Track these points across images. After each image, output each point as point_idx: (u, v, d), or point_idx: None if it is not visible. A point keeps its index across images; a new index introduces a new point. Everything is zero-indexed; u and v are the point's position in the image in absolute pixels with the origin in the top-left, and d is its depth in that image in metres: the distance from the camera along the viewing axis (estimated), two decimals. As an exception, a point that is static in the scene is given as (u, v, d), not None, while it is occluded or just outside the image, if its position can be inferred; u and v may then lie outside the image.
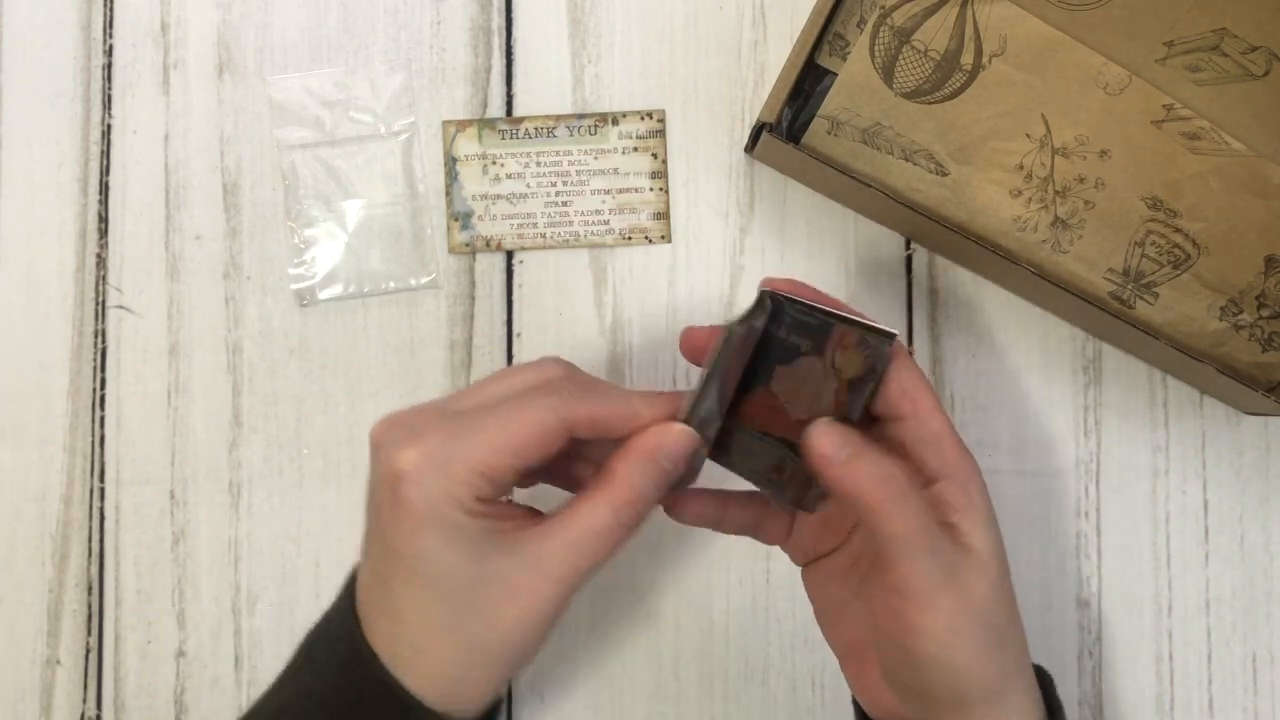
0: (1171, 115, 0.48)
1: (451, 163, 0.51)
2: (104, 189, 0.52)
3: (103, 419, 0.51)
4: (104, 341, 0.51)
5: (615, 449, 0.37)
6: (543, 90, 0.52)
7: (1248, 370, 0.49)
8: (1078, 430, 0.51)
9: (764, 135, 0.46)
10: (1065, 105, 0.48)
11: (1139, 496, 0.51)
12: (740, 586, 0.51)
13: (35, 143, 0.52)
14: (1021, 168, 0.48)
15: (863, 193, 0.47)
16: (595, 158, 0.51)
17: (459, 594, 0.34)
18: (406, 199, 0.51)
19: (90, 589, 0.51)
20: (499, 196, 0.51)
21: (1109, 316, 0.47)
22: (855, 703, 0.41)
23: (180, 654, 0.50)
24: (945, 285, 0.51)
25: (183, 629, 0.50)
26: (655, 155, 0.51)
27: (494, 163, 0.51)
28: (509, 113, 0.52)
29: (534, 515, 0.37)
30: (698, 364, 0.39)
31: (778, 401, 0.38)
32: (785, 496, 0.39)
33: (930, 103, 0.47)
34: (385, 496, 0.34)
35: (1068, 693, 0.50)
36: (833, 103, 0.47)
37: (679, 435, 0.36)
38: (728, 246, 0.51)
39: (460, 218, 0.51)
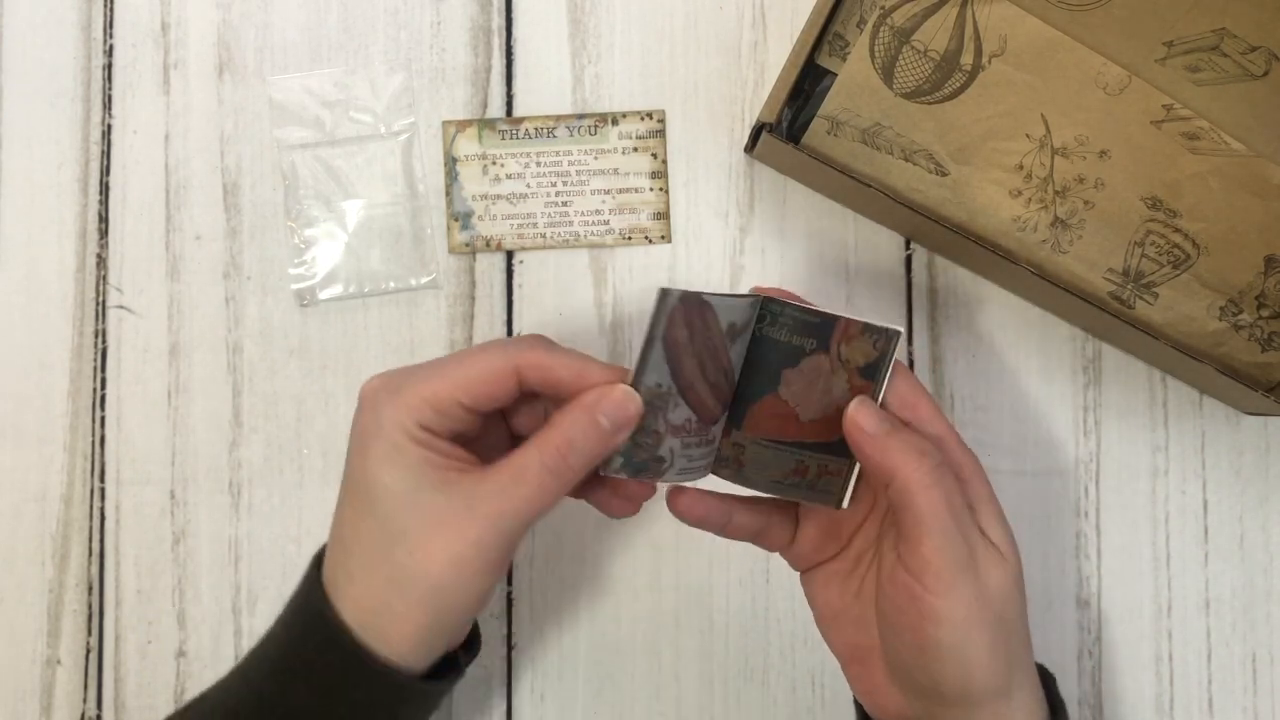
0: (1171, 115, 0.48)
1: (451, 163, 0.51)
2: (104, 189, 0.52)
3: (103, 419, 0.51)
4: (104, 341, 0.51)
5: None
6: (543, 90, 0.52)
7: (1247, 370, 0.49)
8: (1078, 430, 0.51)
9: (764, 135, 0.46)
10: (1065, 105, 0.48)
11: (1139, 496, 0.51)
12: (740, 586, 0.51)
13: (35, 143, 0.52)
14: (1021, 168, 0.48)
15: (863, 193, 0.47)
16: (595, 158, 0.51)
17: (390, 521, 0.35)
18: (406, 199, 0.51)
19: (90, 589, 0.51)
20: (499, 196, 0.51)
21: (1109, 316, 0.47)
22: (857, 704, 0.41)
23: (180, 654, 0.50)
24: (945, 285, 0.51)
25: (183, 629, 0.50)
26: (655, 155, 0.51)
27: (494, 163, 0.51)
28: (509, 113, 0.52)
29: (480, 464, 0.37)
30: None
31: (787, 407, 0.38)
32: (813, 495, 0.39)
33: (930, 103, 0.47)
34: (353, 425, 0.37)
35: (1068, 693, 0.50)
36: (833, 103, 0.47)
37: (618, 394, 0.35)
38: (728, 246, 0.51)
39: (460, 218, 0.51)
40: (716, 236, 0.51)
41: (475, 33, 0.52)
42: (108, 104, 0.52)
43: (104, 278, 0.51)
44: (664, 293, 0.35)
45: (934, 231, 0.48)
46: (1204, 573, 0.51)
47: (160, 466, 0.51)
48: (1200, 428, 0.51)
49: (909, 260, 0.52)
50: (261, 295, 0.51)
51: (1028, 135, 0.48)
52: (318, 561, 0.38)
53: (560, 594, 0.51)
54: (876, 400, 0.38)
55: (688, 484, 0.39)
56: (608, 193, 0.51)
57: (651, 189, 0.51)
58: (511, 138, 0.51)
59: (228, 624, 0.50)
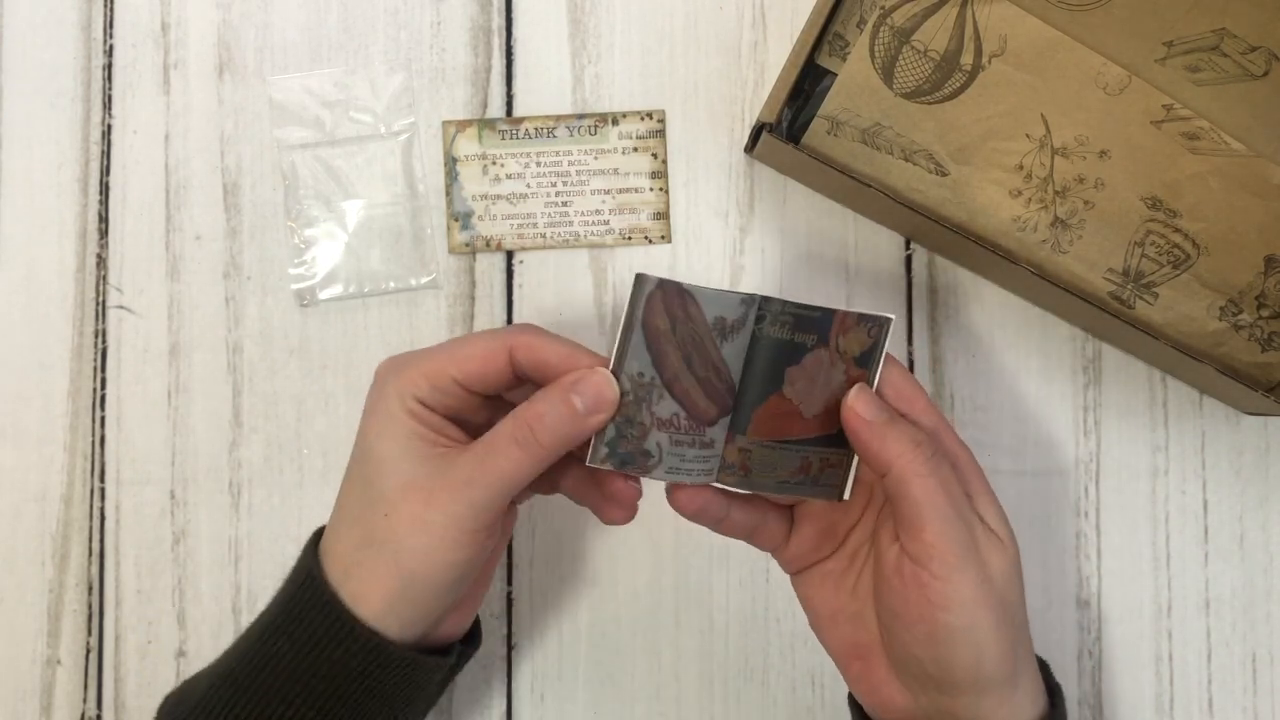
0: (1171, 115, 0.48)
1: (451, 163, 0.51)
2: (104, 189, 0.52)
3: (103, 419, 0.51)
4: (104, 341, 0.51)
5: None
6: (543, 90, 0.52)
7: (1247, 370, 0.49)
8: (1078, 430, 0.51)
9: (764, 135, 0.46)
10: (1065, 105, 0.48)
11: (1139, 496, 0.51)
12: (740, 586, 0.51)
13: (35, 143, 0.52)
14: (1021, 168, 0.48)
15: (863, 193, 0.47)
16: (595, 158, 0.51)
17: (373, 485, 0.36)
18: (406, 199, 0.51)
19: (90, 589, 0.51)
20: (499, 196, 0.51)
21: (1109, 316, 0.47)
22: (853, 705, 0.41)
23: (180, 654, 0.50)
24: (945, 285, 0.51)
25: (183, 629, 0.50)
26: (655, 155, 0.51)
27: (494, 163, 0.51)
28: (509, 113, 0.52)
29: (467, 442, 0.38)
30: None
31: (791, 405, 0.38)
32: (816, 490, 0.39)
33: (930, 103, 0.47)
34: (366, 399, 0.39)
35: (1068, 693, 0.50)
36: (833, 103, 0.47)
37: (595, 375, 0.36)
38: (728, 246, 0.51)
39: (460, 218, 0.51)
40: (716, 236, 0.51)
41: (475, 33, 0.52)
42: (108, 104, 0.52)
43: (104, 278, 0.51)
44: (640, 278, 0.35)
45: (934, 231, 0.48)
46: (1204, 573, 0.51)
47: (160, 466, 0.51)
48: (1200, 428, 0.51)
49: (909, 260, 0.52)
50: (261, 295, 0.51)
51: (1028, 135, 0.48)
52: (323, 528, 0.40)
53: (560, 594, 0.51)
54: (871, 387, 0.38)
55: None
56: (608, 193, 0.51)
57: (651, 189, 0.51)
58: (511, 138, 0.51)
59: (228, 624, 0.50)
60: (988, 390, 0.51)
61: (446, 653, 0.39)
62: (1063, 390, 0.51)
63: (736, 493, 0.40)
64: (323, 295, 0.51)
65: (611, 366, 0.36)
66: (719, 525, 0.40)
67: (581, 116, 0.51)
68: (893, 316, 0.37)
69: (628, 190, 0.51)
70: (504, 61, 0.52)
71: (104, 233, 0.51)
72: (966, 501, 0.37)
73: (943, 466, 0.36)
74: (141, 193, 0.51)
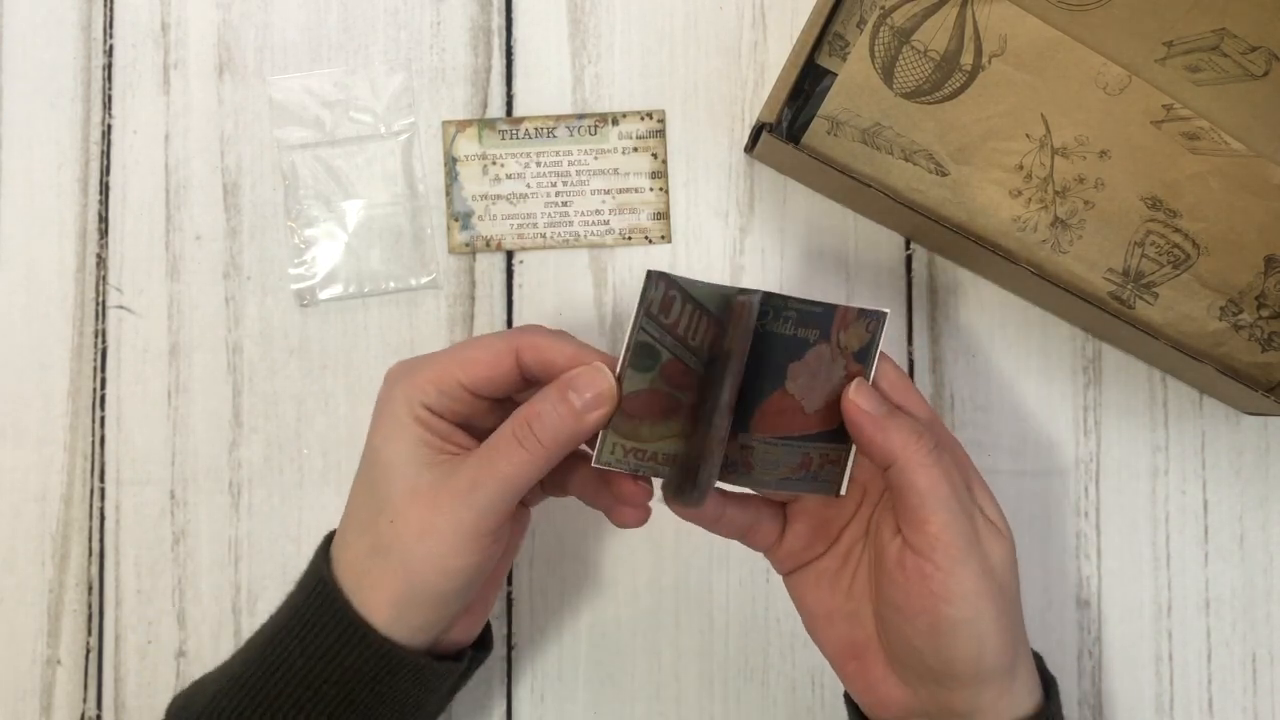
0: (1171, 115, 0.48)
1: (451, 163, 0.51)
2: (104, 189, 0.52)
3: (103, 419, 0.51)
4: (104, 341, 0.51)
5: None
6: (543, 90, 0.52)
7: (1247, 370, 0.49)
8: (1078, 430, 0.51)
9: (764, 135, 0.46)
10: (1065, 105, 0.48)
11: (1139, 496, 0.51)
12: (740, 586, 0.51)
13: (35, 143, 0.52)
14: (1021, 168, 0.48)
15: (863, 193, 0.47)
16: (595, 158, 0.51)
17: (380, 491, 0.36)
18: (406, 199, 0.51)
19: (90, 589, 0.51)
20: (499, 196, 0.51)
21: (1109, 316, 0.47)
22: (850, 704, 0.41)
23: (180, 654, 0.50)
24: (945, 285, 0.51)
25: (183, 629, 0.50)
26: (655, 155, 0.51)
27: (494, 163, 0.51)
28: (509, 113, 0.52)
29: (474, 448, 0.38)
30: None
31: (794, 401, 0.38)
32: (815, 485, 0.39)
33: (930, 103, 0.47)
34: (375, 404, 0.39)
35: (1068, 693, 0.50)
36: (833, 103, 0.47)
37: (592, 371, 0.36)
38: (728, 246, 0.51)
39: (460, 218, 0.51)
40: (716, 236, 0.51)
41: (475, 33, 0.52)
42: (108, 104, 0.52)
43: (104, 278, 0.51)
44: (650, 275, 0.35)
45: (934, 231, 0.48)
46: (1204, 573, 0.51)
47: (160, 466, 0.51)
48: (1200, 428, 0.51)
49: (909, 260, 0.52)
50: (261, 295, 0.51)
51: (1028, 135, 0.48)
52: (333, 533, 0.40)
53: (560, 594, 0.51)
54: (869, 381, 0.38)
55: None
56: (608, 193, 0.51)
57: (651, 189, 0.51)
58: (511, 138, 0.51)
59: (228, 624, 0.50)
60: (988, 390, 0.51)
61: (458, 658, 0.39)
62: (1063, 390, 0.51)
63: (732, 491, 0.40)
64: (323, 295, 0.51)
65: (619, 367, 0.36)
66: (715, 525, 0.40)
67: (581, 116, 0.51)
68: (888, 311, 0.37)
69: (628, 190, 0.51)
70: (504, 61, 0.52)
71: (104, 233, 0.51)
72: (968, 492, 0.37)
73: (945, 457, 0.36)
74: (141, 193, 0.51)
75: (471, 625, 0.40)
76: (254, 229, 0.51)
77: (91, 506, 0.51)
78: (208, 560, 0.51)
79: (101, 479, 0.51)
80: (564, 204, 0.51)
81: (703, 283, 0.36)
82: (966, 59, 0.47)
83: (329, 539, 0.39)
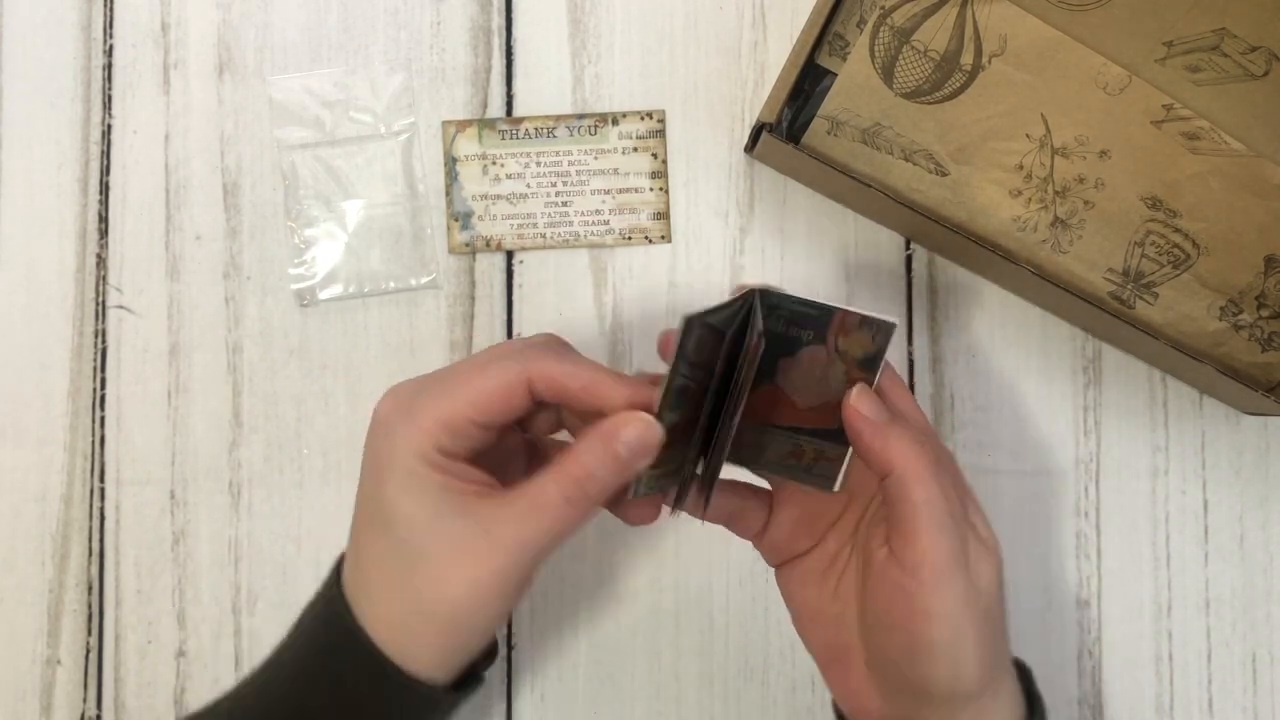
0: (1171, 115, 0.48)
1: (451, 163, 0.51)
2: (104, 189, 0.52)
3: (103, 419, 0.51)
4: (104, 341, 0.51)
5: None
6: (543, 90, 0.52)
7: (1247, 370, 0.49)
8: (1078, 430, 0.51)
9: (764, 135, 0.46)
10: (1065, 105, 0.48)
11: (1139, 496, 0.51)
12: (740, 586, 0.51)
13: (35, 143, 0.52)
14: (1021, 168, 0.48)
15: (863, 193, 0.47)
16: (595, 158, 0.51)
17: (410, 547, 0.35)
18: (406, 199, 0.51)
19: (90, 589, 0.51)
20: (499, 196, 0.51)
21: (1109, 316, 0.47)
22: (836, 709, 0.41)
23: (180, 654, 0.50)
24: (945, 285, 0.51)
25: (183, 629, 0.50)
26: (655, 155, 0.51)
27: (494, 163, 0.51)
28: (509, 113, 0.52)
29: (499, 487, 0.37)
30: None
31: (784, 394, 0.38)
32: (808, 477, 0.39)
33: (930, 103, 0.47)
34: (367, 446, 0.36)
35: (1068, 692, 0.50)
36: (833, 103, 0.47)
37: (639, 424, 0.35)
38: (728, 246, 0.51)
39: (460, 218, 0.51)
40: (716, 236, 0.51)
41: (475, 33, 0.52)
42: (108, 104, 0.52)
43: (104, 278, 0.51)
44: (688, 321, 0.34)
45: (934, 231, 0.48)
46: (1204, 573, 0.51)
47: (160, 466, 0.51)
48: (1200, 428, 0.51)
49: (909, 260, 0.52)
50: (261, 295, 0.51)
51: (1028, 135, 0.48)
52: (337, 574, 0.38)
53: (560, 594, 0.51)
54: (872, 388, 0.38)
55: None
56: (608, 193, 0.51)
57: (651, 189, 0.51)
58: (511, 138, 0.51)
59: (228, 624, 0.50)
60: (988, 390, 0.51)
61: (476, 675, 0.39)
62: (1063, 390, 0.51)
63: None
64: (323, 295, 0.51)
65: (657, 408, 0.35)
66: (698, 512, 0.40)
67: (581, 116, 0.51)
68: (896, 322, 0.37)
69: (628, 190, 0.51)
70: (504, 61, 0.52)
71: (104, 233, 0.51)
72: (962, 510, 0.37)
73: (944, 473, 0.36)
74: (141, 193, 0.51)
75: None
76: (254, 229, 0.51)
77: (91, 506, 0.51)
78: (208, 560, 0.51)
79: (101, 479, 0.51)
80: (564, 204, 0.51)
81: (720, 308, 0.35)
82: (966, 59, 0.47)
83: (337, 582, 0.37)
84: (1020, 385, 0.51)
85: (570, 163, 0.51)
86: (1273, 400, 0.46)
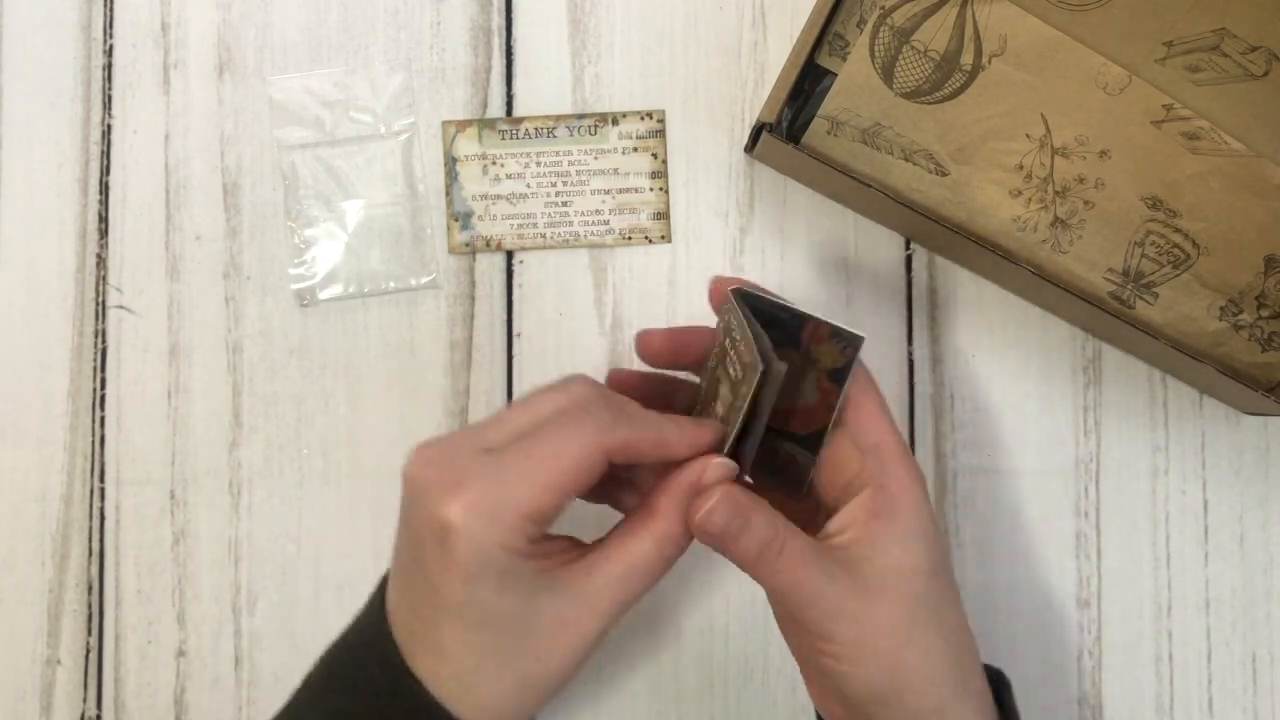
0: (1171, 115, 0.48)
1: (451, 163, 0.51)
2: (104, 189, 0.52)
3: (103, 419, 0.51)
4: (104, 341, 0.51)
5: (650, 472, 0.37)
6: (543, 90, 0.52)
7: (1247, 370, 0.49)
8: (1078, 430, 0.51)
9: (764, 135, 0.46)
10: (1065, 105, 0.48)
11: (1139, 496, 0.51)
12: (740, 587, 0.51)
13: (35, 143, 0.52)
14: (1021, 168, 0.48)
15: (863, 193, 0.47)
16: (595, 158, 0.51)
17: (511, 634, 0.34)
18: (406, 199, 0.51)
19: (90, 589, 0.51)
20: (499, 196, 0.51)
21: (1109, 316, 0.47)
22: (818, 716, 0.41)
23: (180, 654, 0.50)
24: (945, 285, 0.51)
25: (183, 629, 0.50)
26: (655, 155, 0.51)
27: (494, 163, 0.51)
28: (509, 113, 0.52)
29: (577, 545, 0.37)
30: (655, 366, 0.40)
31: None
32: (778, 480, 0.39)
33: (930, 103, 0.47)
34: (431, 546, 0.33)
35: (1068, 692, 0.50)
36: (833, 103, 0.47)
37: (719, 468, 0.36)
38: (728, 246, 0.51)
39: (460, 218, 0.51)
40: (716, 236, 0.51)
41: (475, 33, 0.52)
42: (108, 104, 0.52)
43: (104, 278, 0.51)
44: (766, 373, 0.34)
45: (934, 231, 0.48)
46: (1204, 573, 0.51)
47: (160, 466, 0.51)
48: (1200, 428, 0.51)
49: (909, 260, 0.52)
50: (261, 295, 0.51)
51: (1028, 135, 0.48)
52: (391, 645, 0.35)
53: (560, 594, 0.51)
54: (838, 402, 0.37)
55: None
56: (608, 193, 0.51)
57: (651, 189, 0.51)
58: (511, 138, 0.51)
59: (228, 624, 0.50)
60: (988, 390, 0.51)
61: None
62: (1063, 390, 0.51)
63: None
64: (323, 295, 0.51)
65: (729, 450, 0.36)
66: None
67: (581, 116, 0.51)
68: (864, 336, 0.36)
69: (628, 190, 0.51)
70: (504, 61, 0.52)
71: (104, 233, 0.51)
72: (834, 569, 0.36)
73: (792, 554, 0.35)
74: (141, 193, 0.51)
75: None
76: (254, 229, 0.51)
77: (91, 506, 0.51)
78: (208, 560, 0.51)
79: (101, 479, 0.51)
80: (564, 204, 0.51)
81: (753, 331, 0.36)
82: (966, 59, 0.47)
83: (404, 669, 0.35)
84: (1020, 385, 0.51)
85: (570, 163, 0.51)
86: (1273, 400, 0.46)
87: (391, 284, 0.51)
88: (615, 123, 0.51)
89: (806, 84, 0.48)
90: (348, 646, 0.37)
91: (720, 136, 0.51)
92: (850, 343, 0.37)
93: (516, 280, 0.52)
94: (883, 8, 0.47)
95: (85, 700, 0.50)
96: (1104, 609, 0.51)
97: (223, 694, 0.50)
